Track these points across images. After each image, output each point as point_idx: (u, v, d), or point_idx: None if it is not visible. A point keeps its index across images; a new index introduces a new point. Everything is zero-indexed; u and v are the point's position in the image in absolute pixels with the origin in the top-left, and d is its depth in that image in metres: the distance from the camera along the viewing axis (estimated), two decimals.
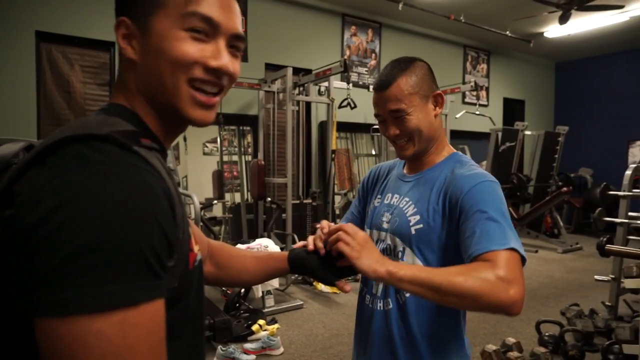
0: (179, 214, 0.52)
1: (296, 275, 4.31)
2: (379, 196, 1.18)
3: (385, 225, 1.11)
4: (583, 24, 6.55)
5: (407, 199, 1.09)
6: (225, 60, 0.58)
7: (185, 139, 5.27)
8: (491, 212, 0.90)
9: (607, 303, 3.45)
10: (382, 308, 1.08)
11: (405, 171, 1.16)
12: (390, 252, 1.08)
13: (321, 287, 4.28)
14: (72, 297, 0.41)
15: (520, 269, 0.85)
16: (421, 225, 1.03)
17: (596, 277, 3.59)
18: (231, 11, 0.59)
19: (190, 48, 0.56)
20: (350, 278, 0.89)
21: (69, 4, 4.23)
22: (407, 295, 1.02)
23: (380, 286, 1.10)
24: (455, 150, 1.13)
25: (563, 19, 5.34)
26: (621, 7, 5.21)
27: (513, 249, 0.85)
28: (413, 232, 1.03)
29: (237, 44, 0.61)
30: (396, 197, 1.12)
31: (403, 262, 0.93)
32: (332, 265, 0.90)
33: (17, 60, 4.03)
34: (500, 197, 0.95)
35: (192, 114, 0.59)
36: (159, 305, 0.46)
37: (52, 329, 0.41)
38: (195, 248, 0.61)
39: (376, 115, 1.09)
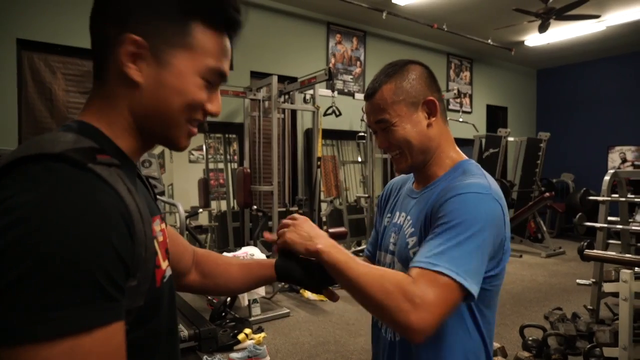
0: (140, 232, 0.51)
1: (283, 284, 4.30)
2: (389, 214, 1.09)
3: (392, 248, 1.01)
4: (562, 32, 6.73)
5: (409, 217, 0.98)
6: (219, 105, 0.64)
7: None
8: (452, 225, 0.80)
9: (589, 307, 3.51)
10: (390, 338, 0.99)
11: (413, 186, 1.05)
12: None
13: (308, 295, 4.27)
14: (16, 325, 0.39)
15: (441, 296, 0.73)
16: (417, 248, 0.91)
17: (578, 281, 3.65)
18: (230, 62, 0.64)
19: (203, 95, 0.60)
20: (337, 286, 0.89)
21: (50, 11, 4.19)
22: None
23: None
24: (464, 158, 0.99)
25: (542, 28, 5.47)
26: (597, 16, 5.36)
27: (442, 274, 0.74)
28: (411, 255, 0.93)
29: None
30: (402, 216, 1.01)
31: (337, 246, 0.84)
32: (319, 273, 0.89)
33: None
34: (479, 214, 0.81)
35: (183, 144, 0.63)
36: (115, 329, 0.45)
37: None
38: (164, 264, 0.60)
39: (368, 126, 1.04)
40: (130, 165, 0.61)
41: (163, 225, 0.70)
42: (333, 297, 0.92)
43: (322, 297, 4.21)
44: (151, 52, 0.56)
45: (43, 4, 4.16)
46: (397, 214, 1.04)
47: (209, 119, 0.65)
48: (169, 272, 0.62)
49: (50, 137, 0.51)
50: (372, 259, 1.13)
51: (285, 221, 0.91)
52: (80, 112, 0.60)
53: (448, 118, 1.06)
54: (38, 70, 4.22)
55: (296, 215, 0.92)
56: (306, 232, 0.86)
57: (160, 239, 0.66)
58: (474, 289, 0.77)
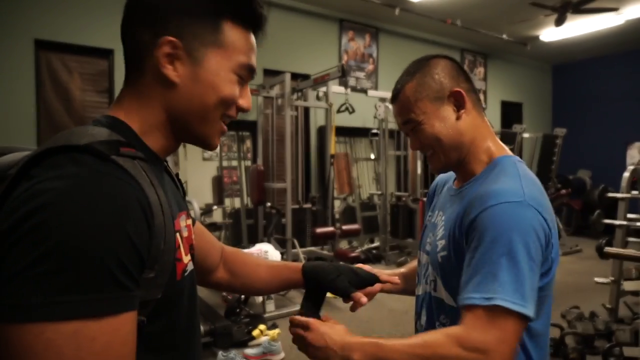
0: (159, 224, 0.52)
1: None
2: (430, 213, 1.03)
3: (427, 247, 0.96)
4: (579, 27, 6.60)
5: (444, 217, 0.93)
6: (250, 100, 0.66)
7: (184, 145, 5.28)
8: (489, 246, 0.74)
9: (607, 305, 3.45)
10: None
11: (454, 184, 0.98)
12: (430, 284, 0.94)
13: None
14: (26, 305, 0.41)
15: (504, 331, 0.70)
16: (445, 253, 0.87)
17: (596, 279, 3.59)
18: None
19: (236, 90, 0.63)
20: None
21: (67, 11, 4.25)
22: None
23: (423, 318, 0.96)
24: (503, 154, 0.91)
25: (559, 22, 5.39)
26: (616, 9, 5.25)
27: (497, 307, 0.70)
28: (439, 259, 0.88)
29: None
30: (439, 215, 0.96)
31: (367, 341, 0.77)
32: (353, 275, 0.87)
33: (16, 68, 4.04)
34: (515, 226, 0.74)
35: (215, 143, 0.66)
36: (124, 319, 0.46)
37: (5, 334, 0.42)
38: (185, 258, 0.61)
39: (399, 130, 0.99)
40: (156, 161, 0.62)
41: (189, 222, 0.70)
42: (361, 301, 0.87)
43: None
44: (186, 52, 0.58)
45: (59, 4, 4.23)
46: (436, 212, 0.98)
47: None
48: (190, 267, 0.63)
49: (79, 130, 0.53)
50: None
51: (299, 333, 0.84)
52: (110, 108, 0.62)
53: None
54: (55, 70, 4.29)
55: (309, 323, 0.83)
56: (328, 346, 0.79)
57: (185, 234, 0.66)
58: (531, 312, 0.72)
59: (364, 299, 0.87)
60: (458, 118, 0.89)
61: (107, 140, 0.52)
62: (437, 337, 0.74)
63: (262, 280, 0.94)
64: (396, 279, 1.00)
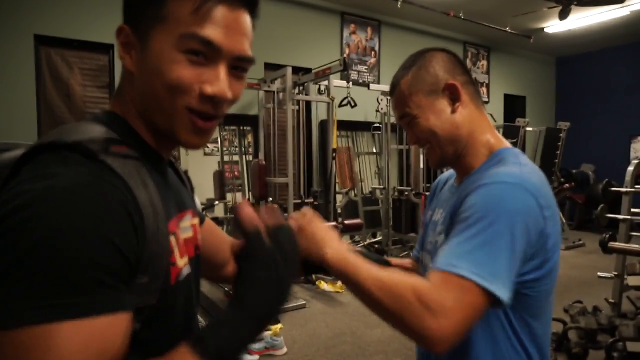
0: (150, 227, 0.50)
1: None
2: (430, 212, 1.02)
3: (429, 247, 0.95)
4: (583, 18, 6.53)
5: (444, 214, 0.91)
6: (223, 86, 0.54)
7: None
8: (474, 221, 0.72)
9: (611, 300, 3.44)
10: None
11: (454, 181, 0.97)
12: None
13: (324, 286, 4.27)
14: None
15: (463, 300, 0.66)
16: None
17: (599, 273, 3.58)
18: (238, 32, 0.54)
19: (186, 72, 0.52)
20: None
21: (67, 7, 4.23)
22: None
23: None
24: (503, 146, 0.89)
25: (563, 14, 5.32)
26: (621, 1, 5.18)
27: (463, 277, 0.67)
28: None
29: (242, 65, 0.57)
30: (439, 213, 0.95)
31: (348, 248, 0.78)
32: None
33: (16, 64, 4.02)
34: (504, 207, 0.72)
35: (188, 140, 0.56)
36: (107, 321, 0.44)
37: None
38: (180, 262, 0.58)
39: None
40: (154, 158, 0.59)
41: (195, 221, 0.68)
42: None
43: (337, 288, 4.21)
44: (137, 39, 0.54)
45: None
46: (437, 210, 0.97)
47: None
48: (186, 271, 0.60)
49: (70, 127, 0.52)
50: (419, 261, 1.06)
51: (293, 219, 0.85)
52: (110, 101, 0.61)
53: None
54: (55, 65, 4.27)
55: (305, 210, 0.85)
56: (312, 234, 0.79)
57: (189, 234, 0.64)
58: (503, 294, 0.67)
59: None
60: (453, 111, 0.88)
61: (97, 138, 0.50)
62: (404, 279, 0.71)
63: None
64: (407, 262, 0.99)
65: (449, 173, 1.05)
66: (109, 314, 0.44)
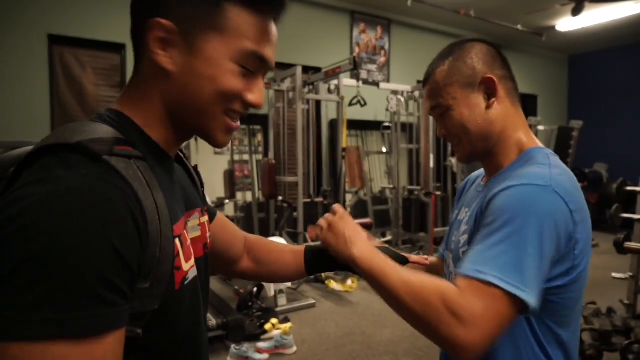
0: (154, 231, 0.48)
1: None
2: (456, 211, 0.98)
3: (453, 246, 0.92)
4: (597, 16, 6.43)
5: (469, 213, 0.89)
6: (261, 95, 0.58)
7: (196, 139, 5.29)
8: (501, 224, 0.69)
9: (625, 301, 3.39)
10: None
11: (482, 180, 0.94)
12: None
13: (333, 285, 4.26)
14: None
15: (491, 308, 0.64)
16: (467, 248, 0.83)
17: (613, 274, 3.53)
18: (275, 45, 0.59)
19: (239, 83, 0.55)
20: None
21: (80, 6, 4.27)
22: None
23: None
24: (534, 145, 0.86)
25: (576, 12, 5.25)
26: None
27: (490, 284, 0.65)
28: (461, 255, 0.84)
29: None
30: (465, 212, 0.92)
31: (376, 249, 0.78)
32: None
33: (30, 63, 4.08)
34: (532, 210, 0.69)
35: (221, 140, 0.59)
36: (106, 339, 0.42)
37: None
38: (186, 266, 0.56)
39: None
40: (161, 157, 0.58)
41: (204, 219, 0.67)
42: (423, 262, 0.87)
43: (347, 288, 4.20)
44: (182, 38, 0.52)
45: None
46: (463, 209, 0.94)
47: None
48: (192, 274, 0.58)
49: (73, 127, 0.50)
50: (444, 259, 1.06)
51: (325, 217, 0.86)
52: (116, 100, 0.58)
53: None
54: (68, 64, 4.32)
55: (336, 208, 0.85)
56: (342, 233, 0.79)
57: (197, 233, 0.63)
58: (532, 300, 0.65)
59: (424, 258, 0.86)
60: (489, 107, 0.84)
61: (101, 138, 0.48)
62: (431, 282, 0.69)
63: (289, 266, 0.91)
64: (425, 259, 0.98)
65: (478, 172, 1.02)
66: (106, 333, 0.42)
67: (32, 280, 0.39)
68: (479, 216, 0.80)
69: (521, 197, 0.71)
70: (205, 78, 0.53)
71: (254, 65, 0.56)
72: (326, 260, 0.88)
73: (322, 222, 0.85)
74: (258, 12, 0.55)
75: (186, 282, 0.56)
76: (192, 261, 0.58)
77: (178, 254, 0.54)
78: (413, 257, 0.95)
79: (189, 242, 0.59)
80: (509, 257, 0.67)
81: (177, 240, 0.54)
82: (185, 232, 0.58)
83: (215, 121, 0.57)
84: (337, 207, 0.86)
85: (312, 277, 4.37)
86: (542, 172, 0.75)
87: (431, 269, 1.06)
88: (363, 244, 0.78)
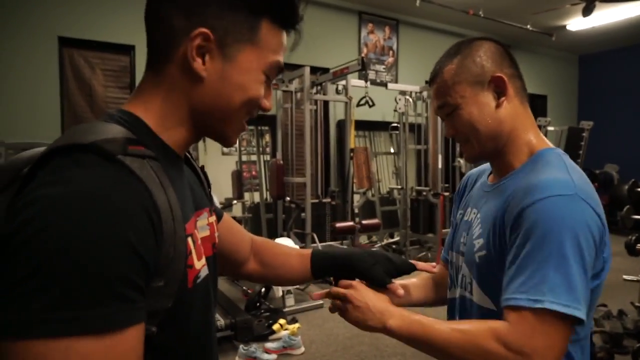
0: (168, 230, 0.49)
1: None
2: (461, 210, 0.97)
3: (462, 248, 0.90)
4: (608, 15, 6.37)
5: (479, 215, 0.86)
6: (271, 101, 0.64)
7: (204, 140, 5.31)
8: (539, 243, 0.68)
9: (637, 304, 3.35)
10: None
11: (489, 179, 0.92)
12: (466, 286, 0.88)
13: None
14: (10, 320, 0.39)
15: (553, 336, 0.65)
16: (484, 252, 0.81)
17: (624, 276, 3.48)
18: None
19: (262, 91, 0.61)
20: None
21: (89, 9, 4.31)
22: None
23: (457, 304, 0.92)
24: (545, 145, 0.85)
25: (587, 11, 5.20)
26: None
27: (547, 310, 0.65)
28: (477, 259, 0.82)
29: None
30: (473, 213, 0.90)
31: (405, 310, 0.79)
32: (388, 263, 0.85)
33: (40, 65, 4.13)
34: (567, 223, 0.68)
35: (234, 141, 0.64)
36: (127, 335, 0.43)
37: None
38: (198, 264, 0.57)
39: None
40: (172, 157, 0.58)
41: (212, 219, 0.68)
42: (398, 293, 0.84)
43: None
44: (217, 47, 0.55)
45: (82, 2, 4.29)
46: (469, 210, 0.92)
47: None
48: (204, 272, 0.59)
49: (85, 127, 0.50)
50: (448, 262, 1.03)
51: (341, 293, 0.83)
52: (127, 101, 0.58)
53: None
54: (78, 66, 4.36)
55: (355, 284, 0.83)
56: (367, 306, 0.79)
57: (206, 233, 0.64)
58: (583, 315, 0.66)
59: (401, 291, 0.84)
60: (498, 106, 0.82)
61: (114, 138, 0.48)
62: (479, 327, 0.70)
63: (295, 270, 0.91)
64: (432, 267, 0.96)
65: (479, 169, 1.01)
66: (127, 327, 0.43)
67: (52, 279, 0.40)
68: (500, 224, 0.78)
69: (552, 211, 0.70)
70: (238, 86, 0.57)
71: (274, 74, 0.62)
72: (332, 266, 0.89)
73: (338, 303, 0.84)
74: (283, 28, 0.61)
75: (198, 281, 0.57)
76: (204, 260, 0.60)
77: (190, 252, 0.55)
78: (420, 264, 0.94)
79: (199, 241, 0.59)
80: (557, 279, 0.66)
81: (189, 239, 0.55)
82: (196, 231, 0.59)
83: (236, 125, 0.61)
84: (355, 282, 0.84)
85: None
86: (564, 179, 0.73)
87: (438, 276, 1.05)
88: (396, 312, 0.78)
